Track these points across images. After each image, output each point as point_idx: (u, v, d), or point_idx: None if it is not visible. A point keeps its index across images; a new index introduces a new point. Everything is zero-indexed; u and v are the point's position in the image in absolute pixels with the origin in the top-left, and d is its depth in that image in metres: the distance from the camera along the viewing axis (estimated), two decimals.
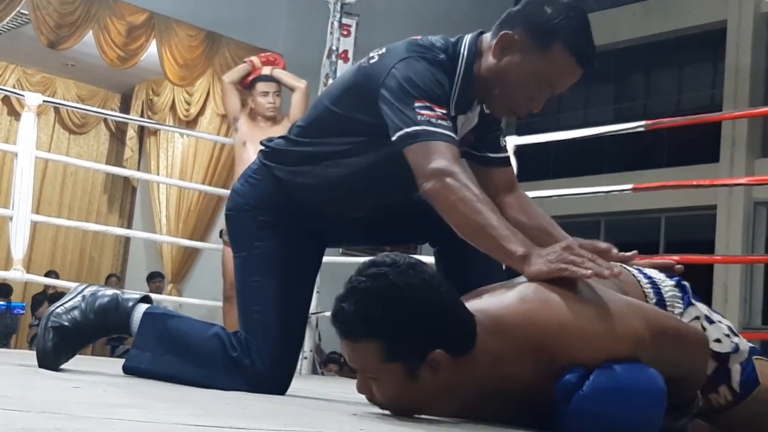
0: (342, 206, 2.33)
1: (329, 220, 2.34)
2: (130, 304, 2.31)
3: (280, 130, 5.09)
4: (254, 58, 5.28)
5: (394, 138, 2.01)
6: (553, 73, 2.06)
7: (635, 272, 1.92)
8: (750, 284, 10.95)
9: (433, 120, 1.98)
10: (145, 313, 2.30)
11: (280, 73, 5.23)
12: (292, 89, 5.23)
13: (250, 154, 5.00)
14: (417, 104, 1.99)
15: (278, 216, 2.31)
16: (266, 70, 5.19)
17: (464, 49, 2.13)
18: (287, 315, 2.27)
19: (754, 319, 10.93)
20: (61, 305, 2.28)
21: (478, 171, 2.28)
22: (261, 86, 5.10)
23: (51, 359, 2.21)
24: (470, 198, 1.88)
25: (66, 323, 2.24)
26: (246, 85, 5.20)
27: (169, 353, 2.27)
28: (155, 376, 2.26)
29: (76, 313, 2.26)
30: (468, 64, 2.11)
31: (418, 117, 1.98)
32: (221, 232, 5.10)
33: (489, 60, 2.10)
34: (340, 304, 1.62)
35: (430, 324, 1.58)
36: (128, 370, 2.31)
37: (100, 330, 2.31)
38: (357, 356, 1.62)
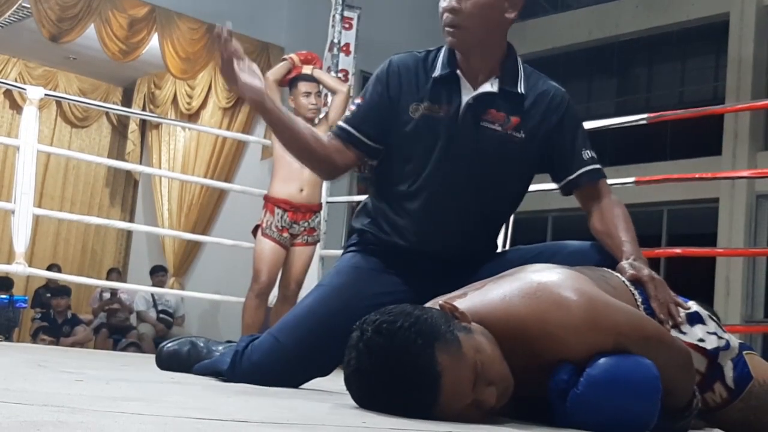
0: (402, 225, 2.34)
1: (407, 258, 2.34)
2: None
3: (320, 132, 5.06)
4: (294, 56, 5.16)
5: None
6: None
7: (619, 275, 1.95)
8: (752, 277, 10.94)
9: (346, 115, 2.40)
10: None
11: (321, 74, 5.15)
12: (333, 92, 5.18)
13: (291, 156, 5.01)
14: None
15: (366, 245, 2.41)
16: (307, 70, 5.09)
17: None
18: (309, 319, 2.30)
19: (757, 312, 10.92)
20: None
21: (573, 193, 2.37)
22: (303, 86, 5.00)
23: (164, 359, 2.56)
24: None
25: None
26: (285, 83, 5.12)
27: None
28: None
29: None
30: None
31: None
32: (255, 227, 5.02)
33: None
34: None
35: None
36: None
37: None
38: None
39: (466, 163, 2.27)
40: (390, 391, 1.55)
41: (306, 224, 4.97)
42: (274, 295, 5.15)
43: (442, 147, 2.26)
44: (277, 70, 5.13)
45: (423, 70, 2.30)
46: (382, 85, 2.32)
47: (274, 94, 5.05)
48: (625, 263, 2.03)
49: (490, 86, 2.26)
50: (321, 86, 5.11)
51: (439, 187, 2.29)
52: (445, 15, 2.23)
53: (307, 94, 4.98)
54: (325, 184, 5.44)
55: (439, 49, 2.34)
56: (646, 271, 1.97)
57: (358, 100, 2.36)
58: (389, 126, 2.31)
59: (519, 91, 2.28)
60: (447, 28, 2.25)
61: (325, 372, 2.37)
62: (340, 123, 2.38)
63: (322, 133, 4.62)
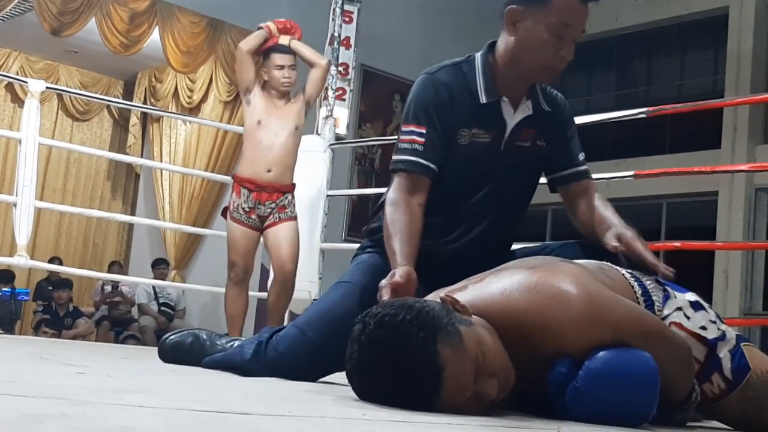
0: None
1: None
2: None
3: (295, 108, 4.76)
4: (270, 24, 4.79)
5: None
6: (564, 17, 2.20)
7: (618, 269, 1.96)
8: (751, 270, 10.93)
9: (409, 146, 2.30)
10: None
11: (299, 46, 4.81)
12: (311, 65, 4.82)
13: (262, 135, 4.69)
14: (405, 128, 2.32)
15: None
16: (284, 40, 4.78)
17: (479, 52, 2.38)
18: (334, 313, 2.33)
19: (755, 305, 10.92)
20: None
21: (559, 189, 2.49)
22: (277, 58, 4.69)
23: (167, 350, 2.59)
24: (389, 226, 2.24)
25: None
26: (260, 53, 4.77)
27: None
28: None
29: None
30: (484, 57, 2.35)
31: (401, 144, 2.32)
32: (224, 209, 4.81)
33: (508, 40, 2.29)
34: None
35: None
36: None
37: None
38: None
39: (500, 181, 2.37)
40: (392, 384, 1.56)
41: (273, 205, 4.68)
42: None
43: (482, 169, 2.36)
44: (250, 41, 4.76)
45: (468, 93, 2.33)
46: (439, 113, 2.31)
47: (248, 65, 4.74)
48: (608, 233, 2.17)
49: (527, 109, 2.36)
50: (297, 59, 4.79)
51: (470, 203, 2.38)
52: (562, 64, 2.25)
53: (281, 67, 4.69)
54: (325, 177, 5.43)
55: (470, 63, 2.37)
56: (630, 233, 2.11)
57: (413, 127, 2.30)
58: (447, 150, 2.34)
59: (546, 108, 2.40)
60: (554, 72, 2.28)
61: (343, 367, 2.40)
62: (410, 157, 2.30)
63: (299, 110, 4.62)
